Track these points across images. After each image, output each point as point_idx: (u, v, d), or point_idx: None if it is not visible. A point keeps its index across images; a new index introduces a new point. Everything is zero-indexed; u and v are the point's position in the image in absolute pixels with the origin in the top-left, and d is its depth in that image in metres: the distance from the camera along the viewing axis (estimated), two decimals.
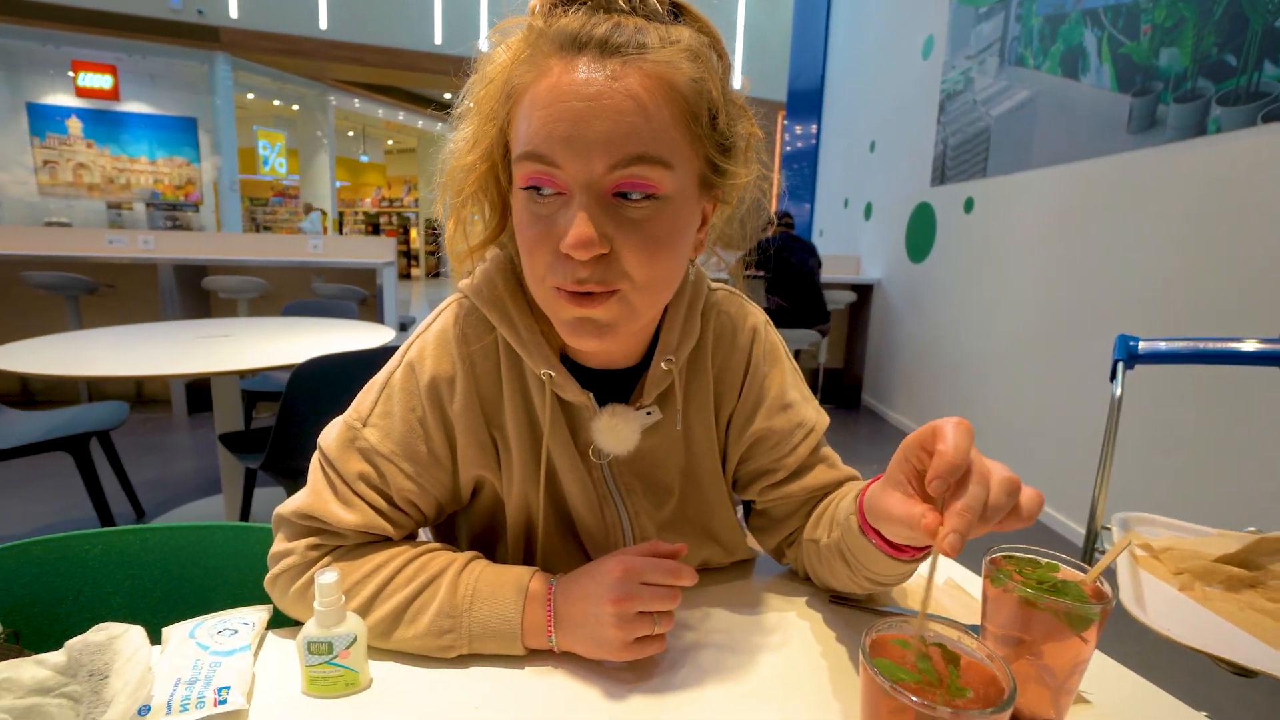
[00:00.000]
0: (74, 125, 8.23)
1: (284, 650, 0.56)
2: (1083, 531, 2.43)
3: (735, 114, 0.52)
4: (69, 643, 0.49)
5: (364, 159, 15.57)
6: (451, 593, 0.55)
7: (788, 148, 7.14)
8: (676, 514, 0.66)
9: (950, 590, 0.68)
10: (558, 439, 0.60)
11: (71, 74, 8.03)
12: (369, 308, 4.13)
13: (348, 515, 0.57)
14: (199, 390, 3.94)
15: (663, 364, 0.60)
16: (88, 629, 0.50)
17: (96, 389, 3.99)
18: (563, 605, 0.54)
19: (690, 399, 0.64)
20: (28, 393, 4.02)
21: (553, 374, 0.57)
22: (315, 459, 0.60)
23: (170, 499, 2.63)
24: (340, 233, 12.58)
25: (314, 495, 0.58)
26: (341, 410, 0.60)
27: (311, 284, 4.07)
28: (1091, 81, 2.61)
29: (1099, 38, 2.58)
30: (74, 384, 3.92)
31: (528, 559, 0.64)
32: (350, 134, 14.70)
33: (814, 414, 0.67)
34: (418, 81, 10.04)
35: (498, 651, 0.54)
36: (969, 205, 3.49)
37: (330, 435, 0.59)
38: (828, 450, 0.68)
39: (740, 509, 0.76)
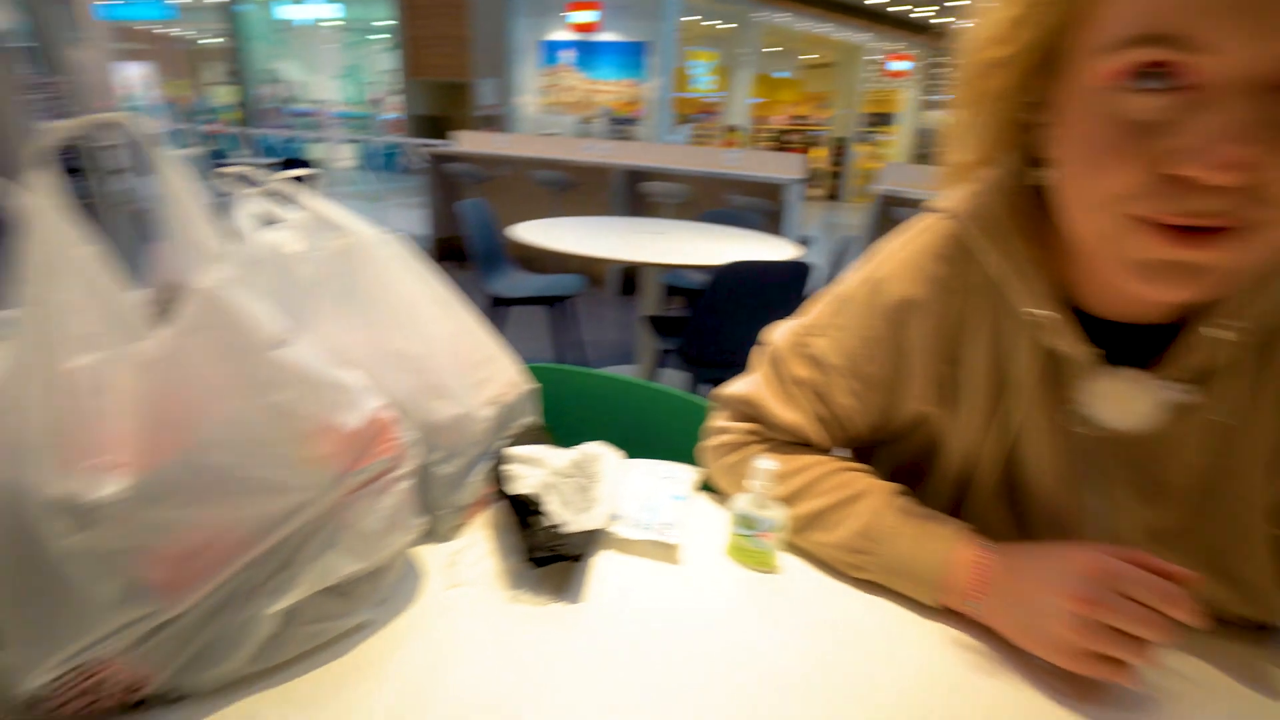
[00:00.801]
0: (566, 56, 10.07)
1: (706, 512, 0.64)
2: None
3: None
4: (578, 448, 0.62)
5: (782, 75, 15.75)
6: (875, 516, 0.54)
7: None
8: (1178, 527, 0.50)
9: None
10: (1037, 394, 0.50)
11: (565, 14, 9.66)
12: (774, 221, 4.29)
13: (786, 414, 0.60)
14: (629, 275, 4.66)
15: (1213, 328, 0.43)
16: (569, 444, 0.63)
17: (558, 263, 5.03)
18: (1003, 575, 0.48)
19: (1246, 381, 0.46)
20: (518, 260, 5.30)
21: (1052, 315, 0.46)
22: (763, 353, 0.63)
23: (598, 360, 3.22)
24: (754, 148, 13.22)
25: (757, 387, 0.62)
26: (752, 314, 0.62)
27: (726, 195, 4.38)
28: None
29: None
30: (551, 256, 5.01)
31: (950, 513, 0.56)
32: (773, 50, 14.96)
33: None
34: None
35: (907, 593, 0.52)
36: None
37: (781, 335, 0.62)
38: None
39: None
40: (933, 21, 10.50)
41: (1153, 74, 0.34)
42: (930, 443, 0.58)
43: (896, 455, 0.61)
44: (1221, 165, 0.32)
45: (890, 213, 3.93)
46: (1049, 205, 0.44)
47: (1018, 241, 0.47)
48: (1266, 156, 0.32)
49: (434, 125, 5.87)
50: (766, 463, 0.54)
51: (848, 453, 0.67)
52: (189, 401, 0.35)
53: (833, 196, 15.22)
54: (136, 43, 11.03)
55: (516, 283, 2.76)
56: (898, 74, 12.92)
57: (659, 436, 0.84)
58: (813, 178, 15.85)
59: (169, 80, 11.51)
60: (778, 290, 1.87)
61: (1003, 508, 0.55)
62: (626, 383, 0.84)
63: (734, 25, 11.45)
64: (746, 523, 0.55)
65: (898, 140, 13.47)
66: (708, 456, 0.66)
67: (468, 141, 5.35)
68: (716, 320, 1.88)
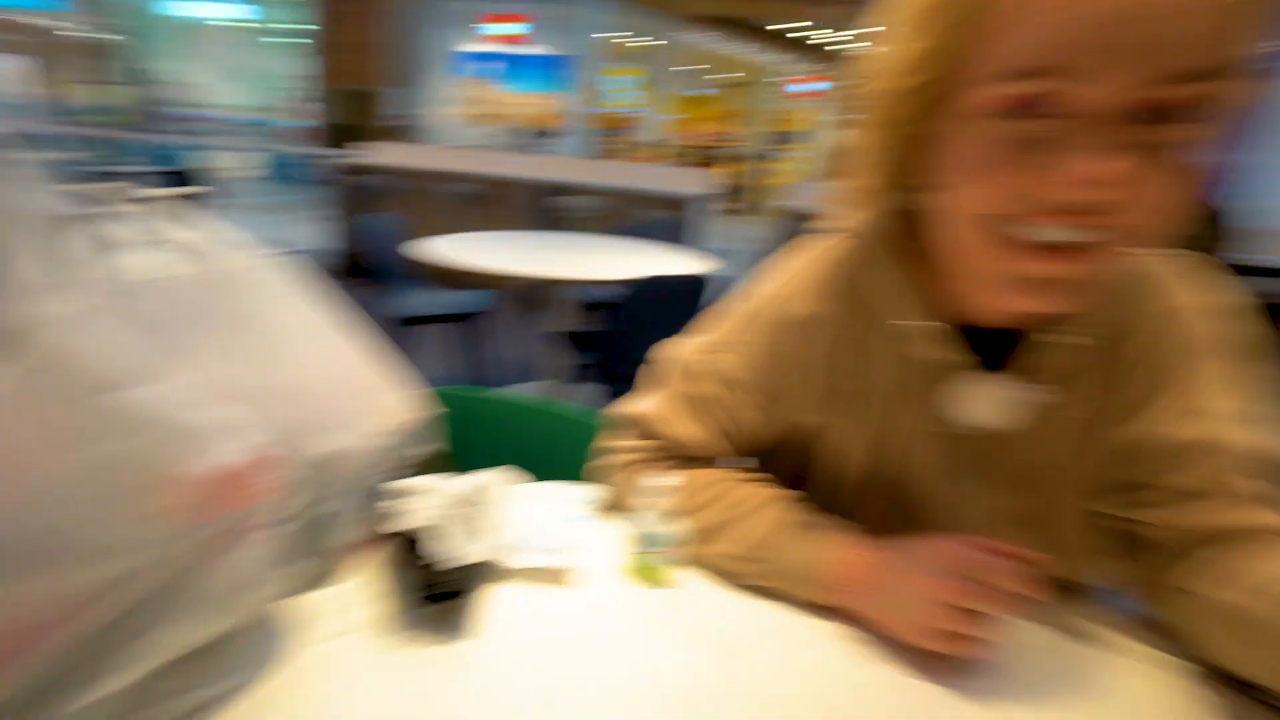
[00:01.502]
0: (481, 67, 9.95)
1: (606, 533, 0.63)
2: None
3: None
4: (467, 477, 0.60)
5: (699, 93, 16.17)
6: (772, 526, 0.55)
7: None
8: (1028, 512, 0.57)
9: None
10: (916, 397, 0.55)
11: (480, 25, 9.58)
12: (686, 235, 4.37)
13: (690, 430, 0.60)
14: (537, 289, 4.62)
15: (1063, 334, 0.50)
16: (472, 469, 0.61)
17: (469, 279, 4.94)
18: (879, 572, 0.51)
19: (1084, 383, 0.52)
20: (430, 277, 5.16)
21: (931, 326, 0.52)
22: (666, 369, 0.64)
23: (509, 378, 3.17)
24: (668, 164, 13.45)
25: (660, 405, 0.62)
26: (664, 328, 0.63)
27: (637, 209, 4.43)
28: None
29: None
30: (460, 272, 4.91)
31: (845, 514, 0.60)
32: (690, 69, 15.33)
33: (1242, 435, 0.50)
34: (762, 12, 10.00)
35: (800, 595, 0.54)
36: None
37: (686, 351, 0.62)
38: (1262, 486, 0.50)
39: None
40: (831, 48, 11.08)
41: (1036, 102, 0.38)
42: (830, 448, 0.61)
43: (795, 462, 0.64)
44: (1093, 182, 0.36)
45: (797, 228, 4.08)
46: (928, 225, 0.49)
47: (905, 260, 0.52)
48: (1132, 175, 0.37)
49: (344, 134, 5.65)
50: (668, 479, 0.55)
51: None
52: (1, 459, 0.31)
53: (750, 211, 15.75)
54: (19, 35, 10.06)
55: (425, 300, 2.68)
56: (799, 95, 13.52)
57: (569, 458, 0.82)
58: (734, 193, 16.35)
59: (54, 78, 10.56)
60: (690, 303, 1.91)
61: (888, 507, 0.59)
62: (533, 404, 0.83)
63: (652, 41, 11.65)
64: (648, 540, 0.55)
65: (806, 158, 14.04)
66: (608, 475, 0.65)
67: (379, 153, 5.18)
68: (633, 334, 1.90)
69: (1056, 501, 0.56)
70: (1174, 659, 0.51)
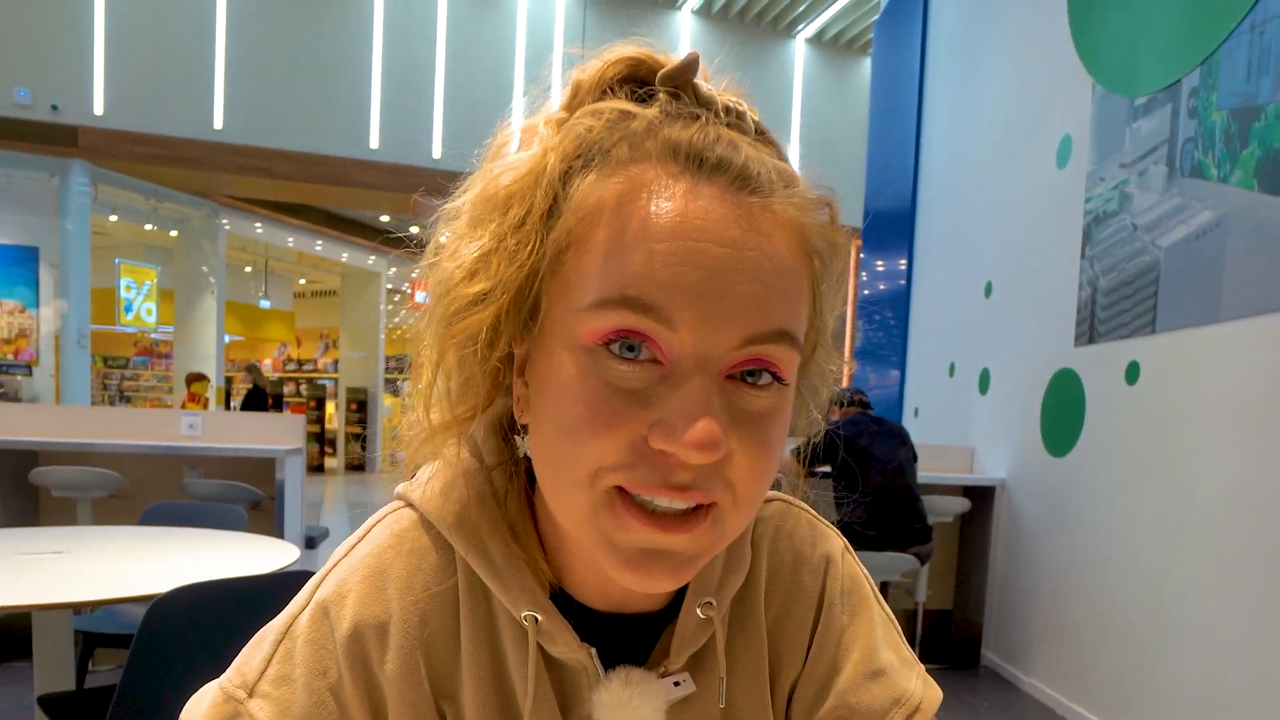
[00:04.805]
0: None
1: None
2: None
3: (837, 274, 0.56)
4: None
5: (265, 304, 16.18)
6: None
7: (865, 290, 7.35)
8: None
9: None
10: (542, 714, 0.59)
11: None
12: (265, 515, 4.20)
13: None
14: (15, 630, 3.91)
15: (699, 610, 0.59)
16: None
17: None
18: None
19: (736, 662, 0.64)
20: None
21: (539, 617, 0.57)
22: None
23: None
24: (228, 407, 12.91)
25: None
26: (218, 669, 0.61)
27: (184, 480, 4.17)
28: None
29: None
30: None
31: None
32: (248, 269, 15.42)
33: (918, 684, 0.67)
34: (344, 200, 10.54)
35: None
36: (1133, 374, 3.58)
37: (200, 710, 0.59)
38: None
39: None
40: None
41: (631, 343, 0.46)
42: None
43: None
44: (694, 445, 0.46)
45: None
46: (531, 480, 0.58)
47: (494, 534, 0.59)
48: (731, 439, 0.46)
49: None
50: None
51: None
52: None
53: (357, 467, 15.58)
54: None
55: None
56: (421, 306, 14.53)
57: None
58: (330, 444, 15.91)
59: None
60: (262, 620, 1.82)
61: None
62: None
63: (176, 233, 11.45)
64: None
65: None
66: None
67: None
68: (154, 685, 1.71)
69: None
70: None
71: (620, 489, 0.49)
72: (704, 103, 0.51)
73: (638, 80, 0.52)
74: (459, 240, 0.53)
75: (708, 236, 0.46)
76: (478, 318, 0.51)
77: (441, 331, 0.53)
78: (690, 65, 0.51)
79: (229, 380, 13.77)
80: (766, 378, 0.48)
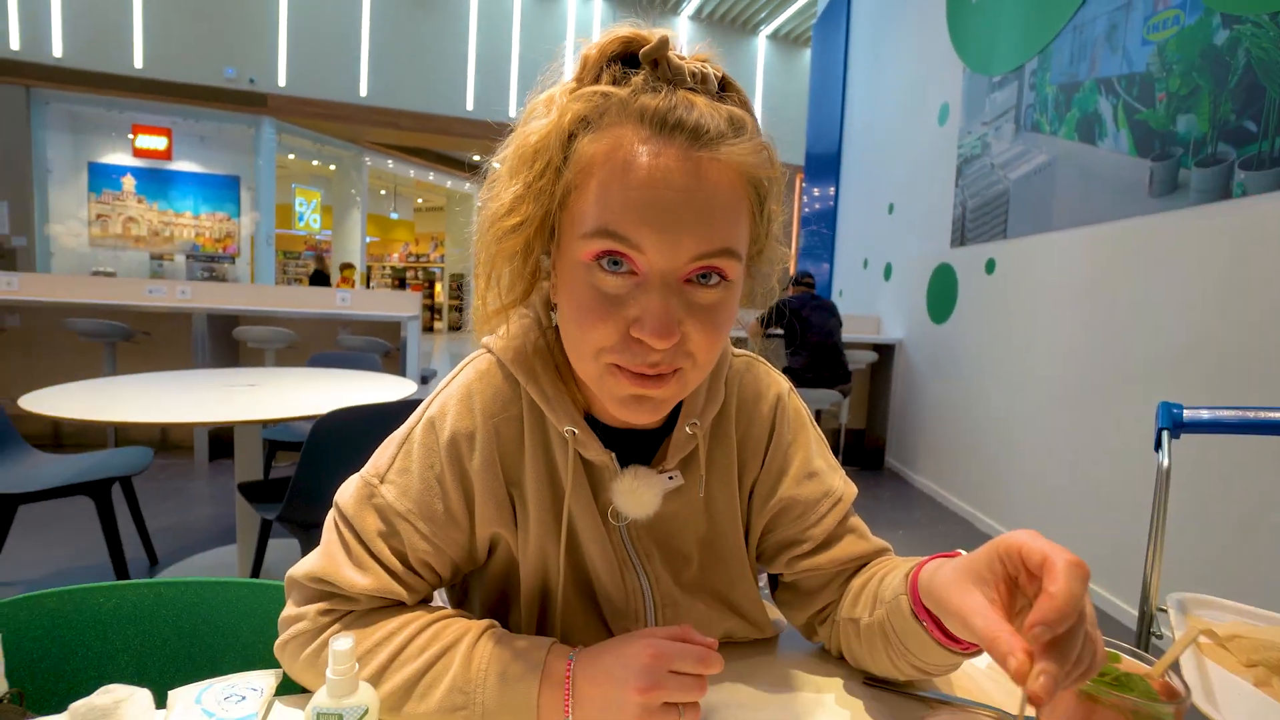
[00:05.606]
0: (128, 182, 8.64)
1: (293, 719, 0.53)
2: (1129, 610, 2.31)
3: (777, 194, 0.53)
4: (73, 706, 0.47)
5: (394, 216, 16.04)
6: (465, 667, 0.52)
7: (806, 209, 7.26)
8: (695, 583, 0.65)
9: (996, 676, 0.63)
10: (579, 499, 0.59)
11: (131, 136, 8.54)
12: (392, 360, 4.18)
13: (361, 579, 0.55)
14: (222, 438, 3.97)
15: (687, 428, 0.60)
16: (94, 687, 0.49)
17: (123, 434, 4.04)
18: (584, 684, 0.51)
19: (713, 465, 0.63)
20: (58, 437, 4.09)
21: (576, 431, 0.57)
22: (331, 518, 0.58)
23: (186, 547, 2.61)
24: (368, 286, 12.86)
25: (327, 558, 0.56)
26: (359, 464, 0.59)
27: (338, 336, 4.14)
28: (1109, 147, 2.63)
29: (1114, 105, 2.62)
30: (101, 429, 3.97)
31: (542, 624, 0.62)
32: (382, 192, 15.20)
33: (841, 483, 0.66)
34: (449, 144, 10.44)
35: None
36: (990, 266, 3.51)
37: (347, 493, 0.58)
38: (857, 521, 0.66)
39: (766, 585, 0.73)
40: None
41: (615, 258, 0.47)
42: (511, 562, 0.61)
43: (486, 584, 0.63)
44: (656, 335, 0.46)
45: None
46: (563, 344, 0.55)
47: (542, 372, 0.58)
48: (686, 325, 0.48)
49: None
50: (340, 643, 0.48)
51: (443, 594, 0.68)
52: None
53: (456, 328, 15.74)
54: None
55: (33, 472, 2.02)
56: None
57: (229, 642, 0.69)
58: (438, 312, 16.26)
59: None
60: (389, 431, 1.79)
61: (583, 607, 0.62)
62: (177, 585, 0.68)
63: (334, 167, 11.33)
64: (330, 719, 0.47)
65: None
66: (285, 654, 0.56)
67: None
68: (317, 477, 1.68)
69: (729, 570, 0.65)
70: (844, 678, 0.61)
71: (613, 362, 0.49)
72: (675, 71, 0.48)
73: (631, 54, 0.49)
74: (501, 185, 0.52)
75: (667, 184, 0.45)
76: (514, 240, 0.51)
77: (493, 249, 0.52)
78: (661, 44, 0.48)
79: (369, 268, 13.67)
80: (715, 278, 0.48)
